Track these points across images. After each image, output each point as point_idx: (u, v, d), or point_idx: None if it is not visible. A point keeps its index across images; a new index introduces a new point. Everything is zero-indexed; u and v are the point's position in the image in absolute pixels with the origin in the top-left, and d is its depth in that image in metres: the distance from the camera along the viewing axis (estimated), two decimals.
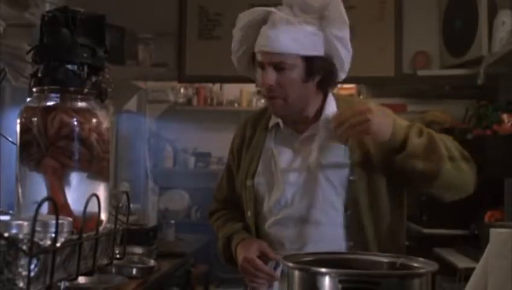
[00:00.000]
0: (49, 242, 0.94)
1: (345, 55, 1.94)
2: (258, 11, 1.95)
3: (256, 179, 2.05)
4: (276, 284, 1.98)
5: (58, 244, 0.96)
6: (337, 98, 2.07)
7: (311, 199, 1.96)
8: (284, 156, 2.03)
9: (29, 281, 0.90)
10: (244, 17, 1.99)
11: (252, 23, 1.96)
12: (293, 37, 1.88)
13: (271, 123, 2.08)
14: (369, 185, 1.95)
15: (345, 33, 1.93)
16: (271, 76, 1.92)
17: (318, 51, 1.91)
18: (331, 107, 2.02)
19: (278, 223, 2.01)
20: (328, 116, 1.98)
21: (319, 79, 1.95)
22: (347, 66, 1.97)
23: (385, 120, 1.84)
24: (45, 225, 0.97)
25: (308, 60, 1.91)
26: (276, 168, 2.03)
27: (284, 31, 1.88)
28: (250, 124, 2.16)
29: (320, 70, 1.93)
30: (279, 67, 1.91)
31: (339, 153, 1.96)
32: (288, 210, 1.99)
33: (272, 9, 1.92)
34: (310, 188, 1.97)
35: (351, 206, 1.95)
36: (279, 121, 2.06)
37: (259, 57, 1.95)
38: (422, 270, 1.30)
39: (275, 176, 2.02)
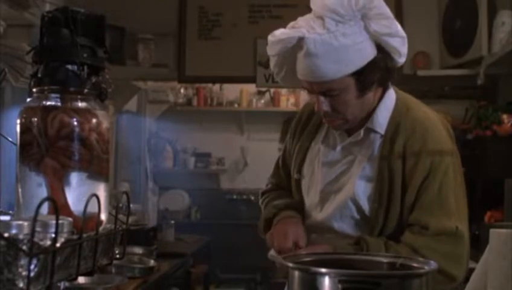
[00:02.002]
0: (49, 242, 0.94)
1: (398, 44, 1.73)
2: (288, 39, 1.71)
3: (302, 173, 1.94)
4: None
5: (58, 245, 0.96)
6: (397, 102, 1.83)
7: (336, 209, 1.83)
8: (327, 158, 1.89)
9: (29, 281, 0.90)
10: (274, 45, 1.75)
11: (284, 51, 1.75)
12: (335, 60, 1.67)
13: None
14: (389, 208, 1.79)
15: (392, 27, 1.71)
16: (323, 103, 1.75)
17: (368, 56, 1.70)
18: (385, 110, 1.82)
19: (308, 229, 1.89)
20: (377, 122, 1.81)
21: (377, 80, 1.77)
22: (404, 49, 1.75)
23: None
24: (45, 225, 0.97)
25: (359, 73, 1.70)
26: (319, 167, 1.90)
27: (323, 57, 1.67)
28: (308, 112, 2.00)
29: (375, 75, 1.73)
30: (329, 94, 1.74)
31: (371, 167, 1.81)
32: (318, 215, 1.88)
33: (303, 32, 1.68)
34: (338, 197, 1.84)
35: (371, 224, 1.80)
36: None
37: (304, 84, 1.78)
38: (422, 270, 1.30)
39: (316, 175, 1.90)
